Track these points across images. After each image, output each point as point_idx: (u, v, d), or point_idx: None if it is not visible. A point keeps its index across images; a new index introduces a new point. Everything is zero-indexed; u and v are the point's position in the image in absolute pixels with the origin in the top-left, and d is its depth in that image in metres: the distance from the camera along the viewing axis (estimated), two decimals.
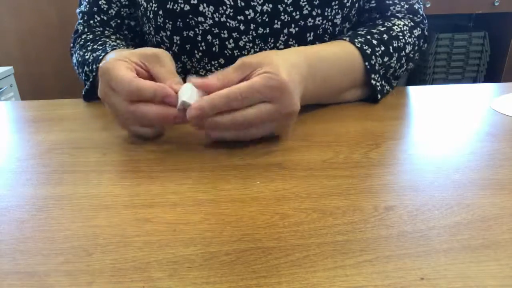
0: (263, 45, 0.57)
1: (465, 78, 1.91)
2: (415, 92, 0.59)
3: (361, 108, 0.52)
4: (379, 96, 0.54)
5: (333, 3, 0.57)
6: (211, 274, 0.26)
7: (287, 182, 0.36)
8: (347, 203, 0.33)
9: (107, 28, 0.63)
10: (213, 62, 0.59)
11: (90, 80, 0.56)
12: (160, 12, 0.57)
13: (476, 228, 0.29)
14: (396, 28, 0.56)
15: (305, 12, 0.56)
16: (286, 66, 0.40)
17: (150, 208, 0.33)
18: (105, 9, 0.62)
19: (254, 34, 0.57)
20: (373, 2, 0.60)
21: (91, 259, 0.27)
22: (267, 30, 0.56)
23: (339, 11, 0.58)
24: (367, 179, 0.36)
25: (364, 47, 0.52)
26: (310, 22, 0.57)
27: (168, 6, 0.56)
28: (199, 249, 0.28)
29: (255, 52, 0.58)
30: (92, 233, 0.30)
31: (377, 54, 0.53)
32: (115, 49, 0.56)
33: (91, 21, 0.63)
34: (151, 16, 0.58)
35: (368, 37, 0.54)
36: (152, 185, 0.36)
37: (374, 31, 0.55)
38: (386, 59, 0.54)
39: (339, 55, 0.51)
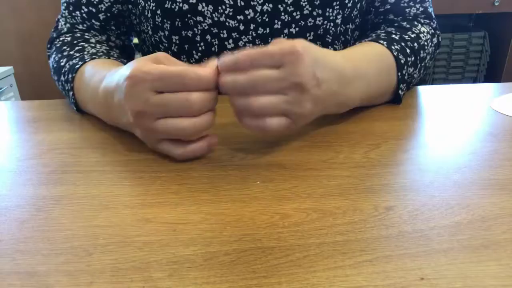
0: (263, 45, 0.57)
1: (465, 78, 1.91)
2: (415, 92, 0.59)
3: (361, 109, 0.52)
4: (401, 99, 0.54)
5: (334, 4, 0.56)
6: (211, 274, 0.26)
7: (287, 182, 0.36)
8: (347, 203, 0.33)
9: (93, 21, 0.60)
10: None
11: (72, 92, 0.53)
12: (158, 12, 0.56)
13: (476, 228, 0.29)
14: (423, 37, 0.56)
15: (305, 12, 0.56)
16: (315, 50, 0.39)
17: (150, 208, 0.33)
18: (95, 2, 0.60)
19: (254, 34, 0.56)
20: (387, 5, 0.59)
21: (91, 259, 0.27)
22: (267, 30, 0.56)
23: (340, 11, 0.57)
24: (367, 179, 0.36)
25: (400, 56, 0.52)
26: (310, 22, 0.57)
27: (166, 5, 0.55)
28: (199, 249, 0.28)
29: None
30: (92, 233, 0.30)
31: (408, 64, 0.53)
32: (94, 58, 0.53)
33: (77, 12, 0.60)
34: (149, 15, 0.57)
35: (403, 44, 0.53)
36: (152, 185, 0.36)
37: (406, 37, 0.54)
38: (412, 69, 0.54)
39: (378, 60, 0.51)
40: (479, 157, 0.39)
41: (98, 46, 0.58)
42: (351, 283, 0.25)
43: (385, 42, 0.53)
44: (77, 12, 0.60)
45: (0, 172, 0.39)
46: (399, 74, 0.52)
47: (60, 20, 0.62)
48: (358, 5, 0.59)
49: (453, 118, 0.49)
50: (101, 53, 0.56)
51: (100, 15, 0.60)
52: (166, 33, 0.57)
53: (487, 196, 0.33)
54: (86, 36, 0.60)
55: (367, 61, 0.48)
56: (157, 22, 0.57)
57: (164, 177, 0.37)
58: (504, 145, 0.42)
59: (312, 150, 0.42)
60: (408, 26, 0.57)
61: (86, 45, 0.57)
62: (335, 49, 0.61)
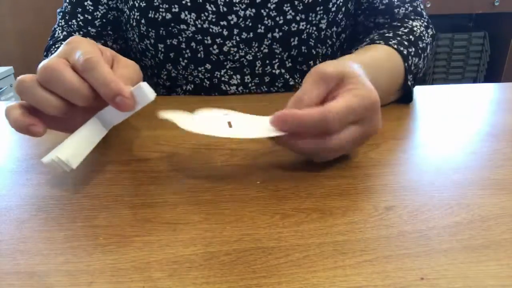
0: (247, 49, 0.57)
1: (465, 78, 1.91)
2: (415, 92, 0.59)
3: None
4: (413, 95, 0.53)
5: (318, 8, 0.56)
6: (211, 274, 0.26)
7: (287, 182, 0.36)
8: (347, 203, 0.33)
9: (89, 28, 0.60)
10: (199, 69, 0.59)
11: None
12: (143, 21, 0.56)
13: (476, 228, 0.29)
14: (417, 29, 0.56)
15: (288, 17, 0.56)
16: (368, 80, 0.37)
17: (150, 208, 0.33)
18: (90, 10, 0.60)
19: (238, 39, 0.57)
20: (376, 6, 0.60)
21: (91, 259, 0.27)
22: (251, 35, 0.56)
23: (324, 15, 0.57)
24: (367, 179, 0.36)
25: (401, 48, 0.51)
26: (294, 27, 0.57)
27: (150, 15, 0.55)
28: (199, 249, 0.28)
29: (240, 56, 0.58)
30: (92, 233, 0.30)
31: (412, 54, 0.52)
32: None
33: (73, 21, 0.60)
34: (134, 24, 0.58)
35: (399, 38, 0.53)
36: (152, 185, 0.36)
37: (400, 32, 0.55)
38: (416, 60, 0.53)
39: (386, 59, 0.50)
40: (479, 157, 0.39)
41: None
42: (351, 283, 0.25)
43: (382, 41, 0.52)
44: (73, 21, 0.61)
45: (0, 172, 0.39)
46: (406, 65, 0.51)
47: (57, 29, 0.62)
48: (343, 9, 0.59)
49: (453, 118, 0.49)
50: None
51: (96, 22, 0.61)
52: (152, 41, 0.58)
53: (487, 196, 0.33)
54: None
55: (377, 67, 0.47)
56: (142, 31, 0.57)
57: (164, 177, 0.37)
58: (504, 145, 0.42)
59: None
60: (399, 24, 0.58)
61: None
62: (317, 53, 0.61)
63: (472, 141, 0.43)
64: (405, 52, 0.52)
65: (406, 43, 0.53)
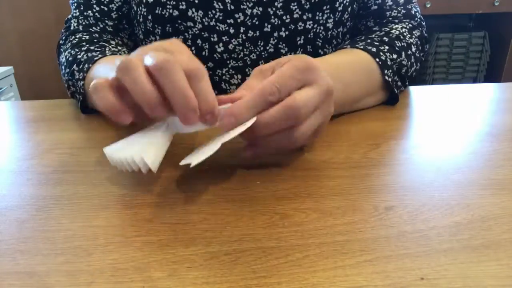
0: (252, 48, 0.57)
1: (465, 78, 1.91)
2: (415, 92, 0.59)
3: (361, 109, 0.52)
4: (396, 91, 0.52)
5: (324, 8, 0.56)
6: (211, 274, 0.26)
7: (287, 182, 0.36)
8: (347, 203, 0.33)
9: (107, 20, 0.60)
10: None
11: (83, 82, 0.51)
12: (149, 17, 0.56)
13: (476, 228, 0.29)
14: (394, 31, 0.56)
15: (295, 16, 0.56)
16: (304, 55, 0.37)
17: (150, 208, 0.33)
18: (106, 1, 0.59)
19: (244, 37, 0.57)
20: (370, 7, 0.60)
21: (91, 259, 0.27)
22: (257, 33, 0.56)
23: (331, 15, 0.57)
24: (367, 179, 0.36)
25: (368, 47, 0.51)
26: (300, 26, 0.57)
27: (156, 11, 0.55)
28: (199, 249, 0.28)
29: (244, 55, 0.58)
30: (92, 233, 0.30)
31: (384, 51, 0.52)
32: (115, 54, 0.53)
33: (89, 12, 0.59)
34: (141, 20, 0.58)
35: (368, 40, 0.53)
36: (152, 185, 0.36)
37: (372, 36, 0.55)
38: (395, 56, 0.52)
39: (351, 60, 0.50)
40: (479, 157, 0.39)
41: (119, 47, 0.58)
42: (351, 283, 0.25)
43: (348, 45, 0.53)
44: (89, 12, 0.59)
45: (0, 172, 0.39)
46: (377, 60, 0.50)
47: (72, 21, 0.61)
48: (349, 9, 0.59)
49: (453, 118, 0.49)
50: (123, 53, 0.56)
51: (112, 14, 0.60)
52: (157, 38, 0.58)
53: (487, 196, 0.33)
54: (105, 38, 0.59)
55: (339, 66, 0.48)
56: (148, 27, 0.57)
57: (164, 177, 0.37)
58: (504, 145, 0.42)
59: (312, 150, 0.42)
60: (376, 28, 0.58)
61: (107, 44, 0.56)
62: (325, 53, 0.61)
63: (472, 141, 0.43)
64: (373, 49, 0.51)
65: (376, 43, 0.53)
